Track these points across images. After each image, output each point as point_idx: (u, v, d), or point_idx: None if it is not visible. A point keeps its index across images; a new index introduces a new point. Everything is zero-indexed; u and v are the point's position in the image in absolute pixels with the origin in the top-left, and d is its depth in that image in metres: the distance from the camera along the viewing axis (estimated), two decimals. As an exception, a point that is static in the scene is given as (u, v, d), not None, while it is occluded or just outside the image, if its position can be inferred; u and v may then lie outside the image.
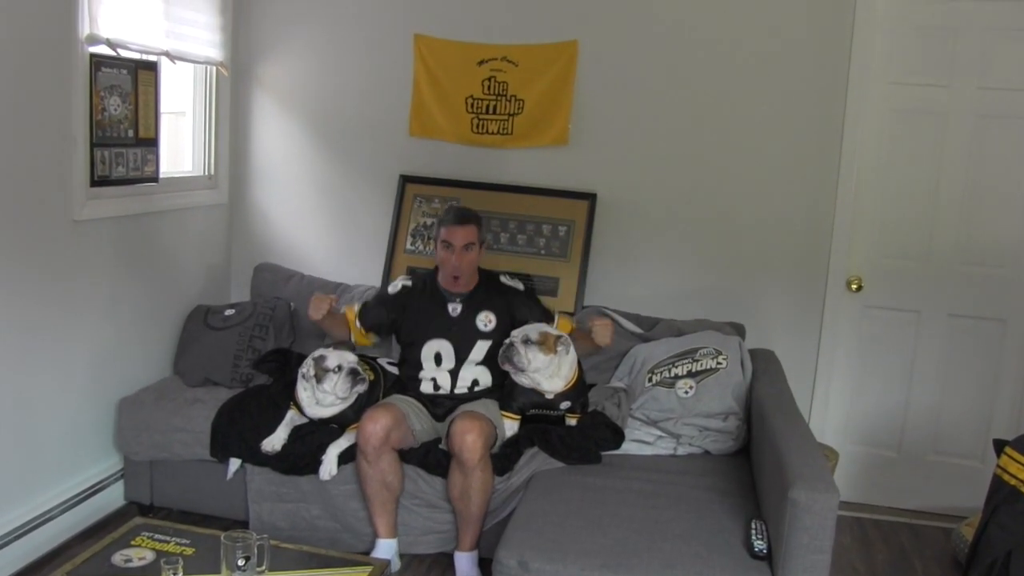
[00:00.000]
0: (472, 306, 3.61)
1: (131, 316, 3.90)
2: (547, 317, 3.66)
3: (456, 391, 3.62)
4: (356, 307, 3.78)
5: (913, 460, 4.27)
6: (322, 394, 3.45)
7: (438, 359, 3.63)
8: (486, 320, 3.60)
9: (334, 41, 4.48)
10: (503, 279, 3.73)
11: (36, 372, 3.39)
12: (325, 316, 3.66)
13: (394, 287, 3.73)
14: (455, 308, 3.61)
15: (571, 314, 3.99)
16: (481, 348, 3.60)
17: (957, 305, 4.16)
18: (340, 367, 3.43)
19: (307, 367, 3.48)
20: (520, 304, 3.67)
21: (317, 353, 3.50)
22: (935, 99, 4.04)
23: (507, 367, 3.47)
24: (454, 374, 3.62)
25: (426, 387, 3.64)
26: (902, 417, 4.26)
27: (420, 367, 3.65)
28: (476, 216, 3.64)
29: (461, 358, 3.62)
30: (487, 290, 3.66)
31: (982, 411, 4.19)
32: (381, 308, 3.73)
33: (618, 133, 4.27)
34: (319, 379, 3.43)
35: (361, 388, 3.46)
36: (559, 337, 3.49)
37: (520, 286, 3.74)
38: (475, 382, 3.62)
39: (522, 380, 3.50)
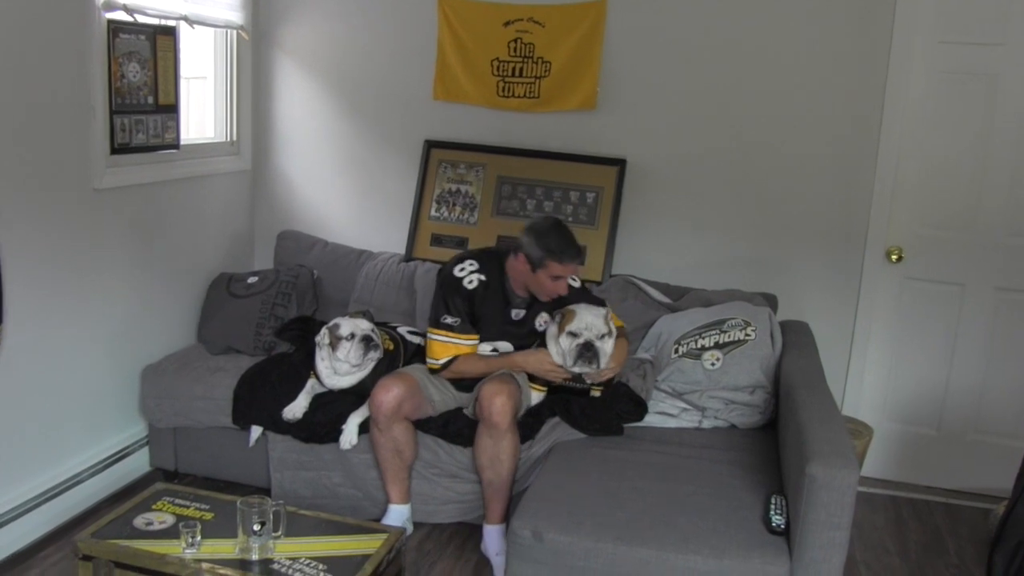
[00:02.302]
0: (532, 311, 3.63)
1: (154, 284, 4.09)
2: None
3: None
4: (458, 330, 3.55)
5: (953, 439, 4.34)
6: (338, 363, 3.63)
7: (494, 351, 3.68)
8: (542, 321, 3.64)
9: (357, 2, 4.60)
10: None
11: (61, 341, 3.59)
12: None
13: (469, 282, 3.53)
14: (518, 313, 3.63)
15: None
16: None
17: (1004, 278, 4.18)
18: (353, 335, 3.61)
19: (322, 335, 3.66)
20: (574, 298, 3.61)
21: (332, 322, 3.68)
22: (986, 59, 4.04)
23: (589, 369, 3.49)
24: None
25: None
26: (942, 394, 4.31)
27: None
28: None
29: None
30: None
31: (1027, 389, 4.24)
32: (466, 305, 3.55)
33: (648, 96, 4.35)
34: (333, 347, 3.61)
35: (375, 355, 3.64)
36: (611, 312, 3.59)
37: (576, 283, 3.69)
38: None
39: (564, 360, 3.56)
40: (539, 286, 3.48)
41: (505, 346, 3.66)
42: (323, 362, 3.71)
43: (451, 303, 3.53)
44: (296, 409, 3.68)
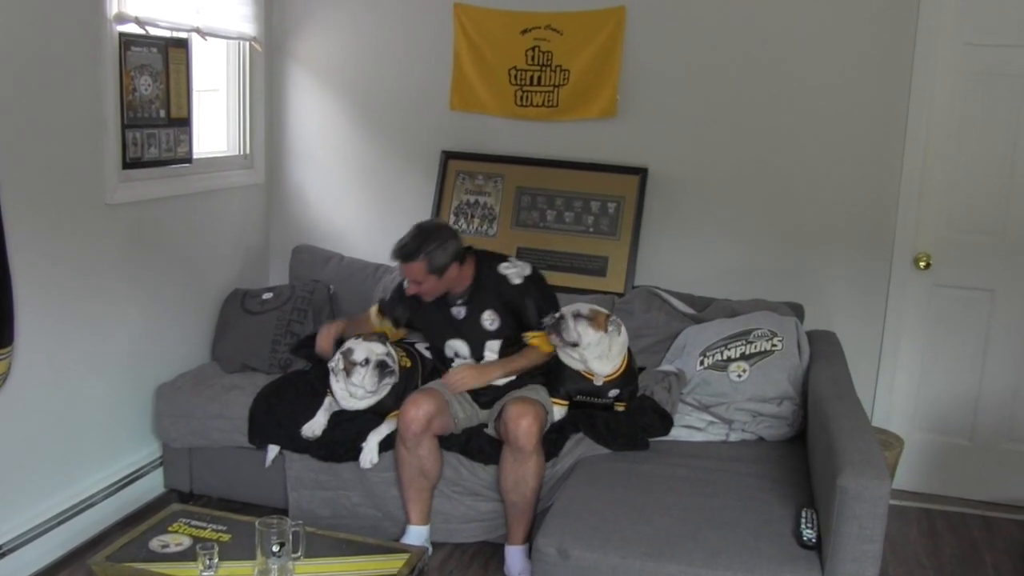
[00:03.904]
0: (475, 307, 3.66)
1: (167, 301, 4.10)
2: (541, 313, 3.63)
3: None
4: (376, 305, 3.94)
5: (986, 448, 4.30)
6: (353, 387, 3.61)
7: (459, 355, 3.76)
8: (491, 319, 3.65)
9: (371, 12, 4.61)
10: (501, 268, 3.66)
11: (73, 359, 3.59)
12: (347, 328, 3.85)
13: (407, 284, 3.69)
14: (458, 311, 3.68)
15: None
16: (493, 347, 3.69)
17: (1035, 283, 4.15)
18: (367, 360, 3.57)
19: (336, 361, 3.63)
20: (517, 297, 3.64)
21: (345, 346, 3.64)
22: (1013, 60, 4.02)
23: (555, 340, 3.55)
24: None
25: None
26: (974, 403, 4.28)
27: (448, 361, 3.79)
28: (425, 246, 3.49)
29: (477, 356, 3.72)
30: (485, 287, 3.65)
31: (1061, 397, 4.19)
32: (399, 304, 3.84)
33: (669, 104, 4.34)
34: (348, 372, 3.59)
35: (390, 380, 3.61)
36: (609, 315, 3.60)
37: (517, 279, 3.65)
38: None
39: (570, 361, 3.61)
40: None
41: (462, 347, 3.72)
42: (338, 384, 3.68)
43: (391, 298, 3.89)
44: (315, 426, 3.67)
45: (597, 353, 3.59)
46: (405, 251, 3.53)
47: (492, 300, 3.64)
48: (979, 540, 3.98)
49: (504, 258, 3.73)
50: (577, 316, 3.55)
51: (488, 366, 3.65)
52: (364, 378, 3.57)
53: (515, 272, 3.66)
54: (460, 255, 3.57)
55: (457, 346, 3.73)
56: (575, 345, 3.55)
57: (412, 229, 3.60)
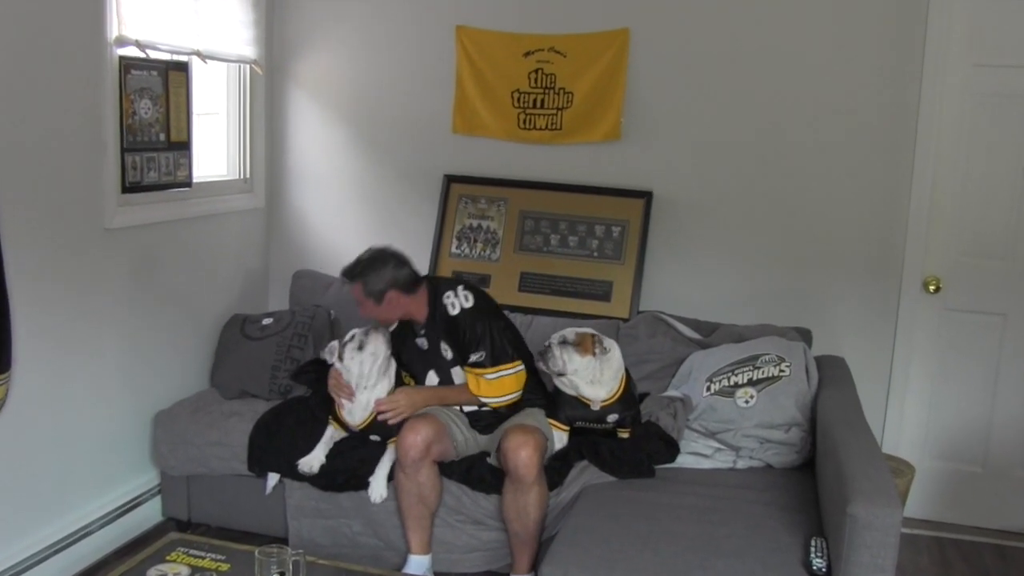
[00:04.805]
0: (433, 337, 3.67)
1: (166, 326, 4.11)
2: (468, 348, 3.62)
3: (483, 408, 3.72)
4: None
5: (999, 476, 4.29)
6: (347, 372, 3.58)
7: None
8: (446, 348, 3.66)
9: (373, 35, 4.65)
10: (444, 298, 3.63)
11: (70, 384, 3.60)
12: None
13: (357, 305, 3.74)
14: (422, 342, 3.70)
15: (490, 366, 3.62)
16: (459, 374, 3.69)
17: (1047, 307, 4.15)
18: (353, 336, 3.58)
19: (331, 351, 3.62)
20: (453, 328, 3.63)
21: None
22: (1022, 81, 4.03)
23: (542, 368, 3.61)
24: None
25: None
26: (986, 429, 4.27)
27: None
28: (363, 270, 3.57)
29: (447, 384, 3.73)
30: (436, 316, 3.64)
31: (1075, 423, 4.18)
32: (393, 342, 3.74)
33: (674, 127, 4.36)
34: (341, 358, 3.58)
35: (372, 362, 3.55)
36: (596, 337, 3.59)
37: (453, 310, 3.61)
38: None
39: (564, 387, 3.62)
40: None
41: (434, 377, 3.74)
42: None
43: None
44: (312, 462, 3.66)
45: (588, 378, 3.59)
46: (345, 271, 3.65)
47: (441, 330, 3.65)
48: (992, 569, 3.96)
49: (452, 285, 3.68)
50: (563, 343, 3.56)
51: (422, 392, 3.67)
52: (354, 358, 3.55)
53: (453, 302, 3.62)
54: (402, 284, 3.57)
55: (431, 378, 3.74)
56: (561, 374, 3.57)
57: (365, 251, 3.69)
